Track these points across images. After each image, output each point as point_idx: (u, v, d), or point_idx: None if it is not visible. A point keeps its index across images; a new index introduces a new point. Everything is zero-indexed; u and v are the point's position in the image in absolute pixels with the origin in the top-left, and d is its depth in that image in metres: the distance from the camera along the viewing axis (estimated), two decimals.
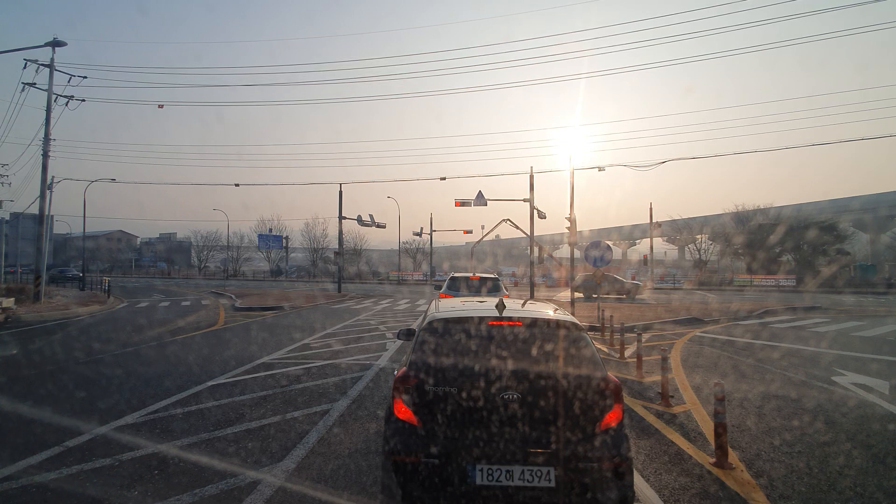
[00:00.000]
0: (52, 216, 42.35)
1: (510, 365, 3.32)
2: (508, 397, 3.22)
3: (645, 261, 52.06)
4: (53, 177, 29.08)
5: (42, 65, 22.05)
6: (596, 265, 16.04)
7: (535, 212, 23.90)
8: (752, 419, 6.12)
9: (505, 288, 14.44)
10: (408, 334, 5.03)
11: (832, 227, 42.65)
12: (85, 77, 33.35)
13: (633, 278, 50.05)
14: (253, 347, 11.16)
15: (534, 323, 3.57)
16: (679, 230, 56.12)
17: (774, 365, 9.51)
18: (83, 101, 23.97)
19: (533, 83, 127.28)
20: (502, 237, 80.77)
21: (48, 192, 23.47)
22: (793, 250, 43.38)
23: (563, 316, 3.76)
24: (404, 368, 3.49)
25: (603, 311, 14.97)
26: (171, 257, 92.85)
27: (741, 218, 48.24)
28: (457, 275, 14.59)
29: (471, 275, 14.71)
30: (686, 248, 59.67)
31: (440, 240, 72.54)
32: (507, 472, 3.08)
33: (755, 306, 21.82)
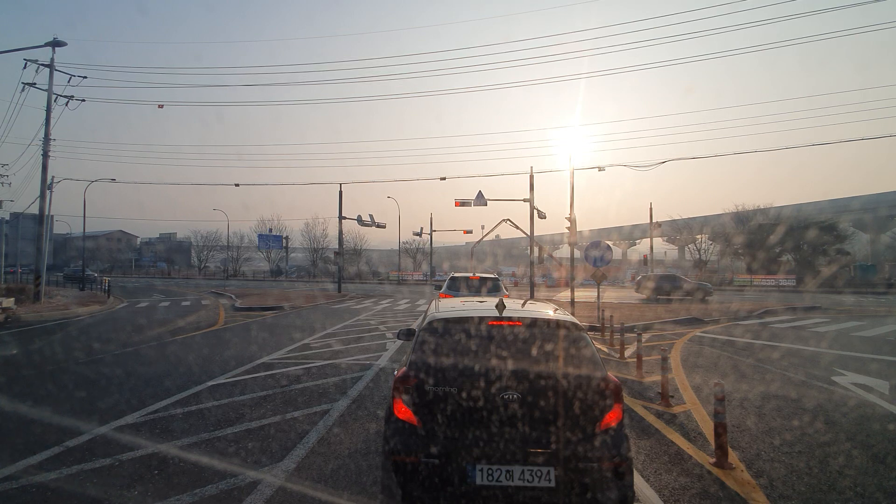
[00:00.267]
0: (52, 216, 42.34)
1: (510, 365, 3.32)
2: (508, 397, 3.22)
3: (645, 261, 52.04)
4: (53, 177, 29.09)
5: (42, 65, 22.05)
6: (596, 265, 16.05)
7: (535, 212, 23.91)
8: (752, 419, 6.12)
9: (505, 288, 14.44)
10: (408, 334, 5.03)
11: (832, 227, 42.65)
12: (85, 77, 33.39)
13: (633, 278, 50.16)
14: (253, 347, 11.16)
15: (534, 323, 3.57)
16: (679, 230, 56.14)
17: (774, 365, 9.51)
18: (83, 101, 23.98)
19: (533, 83, 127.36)
20: (502, 237, 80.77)
21: (48, 192, 23.47)
22: (793, 250, 43.39)
23: (563, 316, 3.76)
24: (404, 368, 3.49)
25: (603, 311, 14.98)
26: (171, 257, 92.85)
27: (741, 218, 48.26)
28: (457, 275, 14.59)
29: (471, 275, 14.71)
30: (686, 248, 59.70)
31: (440, 240, 72.61)
32: (507, 472, 3.08)
33: (755, 306, 21.83)
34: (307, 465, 4.56)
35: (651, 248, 50.67)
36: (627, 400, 6.78)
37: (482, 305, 4.07)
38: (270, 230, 64.35)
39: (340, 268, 36.83)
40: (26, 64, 22.00)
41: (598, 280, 16.10)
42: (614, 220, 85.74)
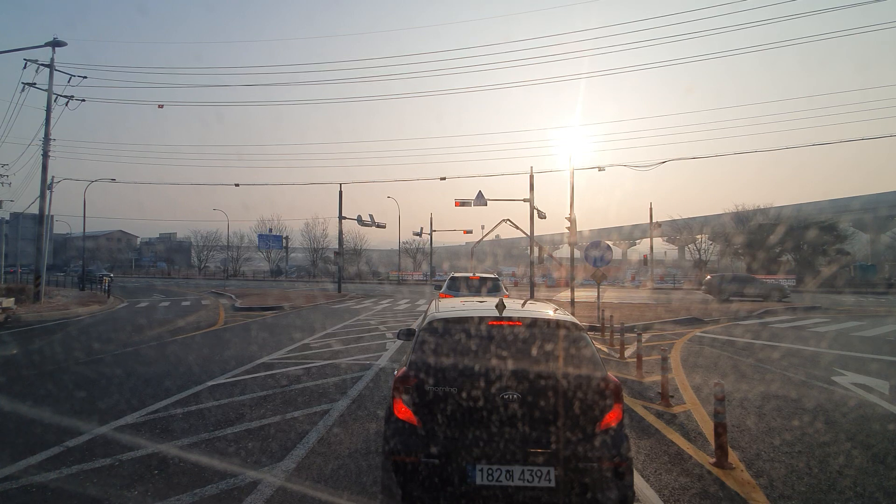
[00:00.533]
0: (52, 216, 42.31)
1: (510, 365, 3.32)
2: (508, 397, 3.22)
3: (645, 261, 52.07)
4: (53, 177, 29.09)
5: (42, 65, 22.06)
6: (596, 265, 16.05)
7: (535, 212, 23.90)
8: (752, 419, 6.12)
9: (505, 288, 14.44)
10: (408, 334, 5.03)
11: (832, 227, 42.66)
12: (85, 77, 33.38)
13: (633, 278, 50.19)
14: (253, 347, 11.16)
15: (534, 323, 3.57)
16: (679, 230, 56.14)
17: (774, 365, 9.51)
18: (83, 101, 24.00)
19: (533, 83, 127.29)
20: (502, 237, 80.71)
21: (48, 192, 23.48)
22: (793, 250, 43.39)
23: (563, 316, 3.76)
24: (404, 368, 3.49)
25: (603, 311, 14.98)
26: (171, 257, 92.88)
27: (741, 218, 48.27)
28: (457, 275, 14.60)
29: (471, 275, 14.71)
30: (686, 248, 59.70)
31: (440, 240, 72.54)
32: (507, 472, 3.08)
33: (755, 306, 21.83)
34: (307, 465, 4.56)
35: (651, 248, 50.71)
36: (627, 400, 6.78)
37: (482, 305, 4.07)
38: (270, 230, 64.36)
39: (340, 268, 36.83)
40: (26, 64, 22.02)
41: (598, 280, 16.11)
42: (614, 220, 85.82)
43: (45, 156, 22.49)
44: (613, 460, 3.11)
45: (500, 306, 3.62)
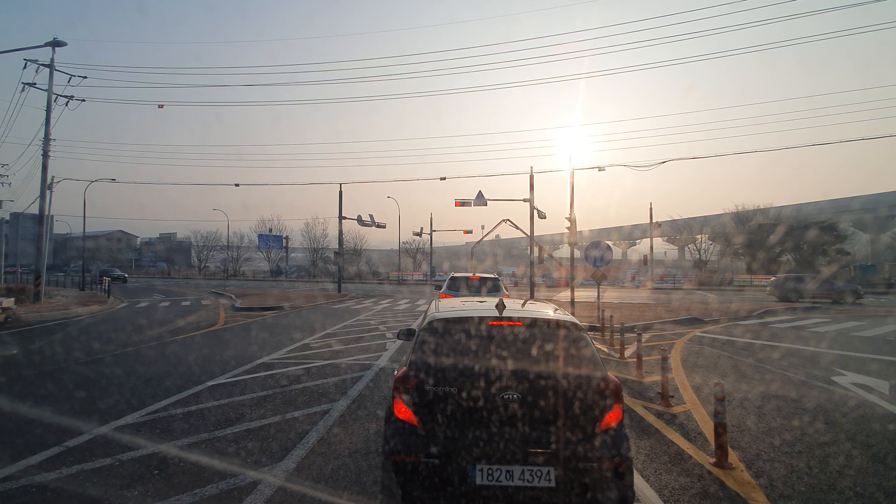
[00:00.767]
0: (52, 216, 42.26)
1: (510, 365, 3.32)
2: (508, 397, 3.22)
3: (645, 261, 52.07)
4: (53, 177, 29.09)
5: (42, 65, 22.06)
6: (596, 265, 16.05)
7: (535, 212, 23.90)
8: (752, 419, 6.12)
9: (505, 288, 14.44)
10: (408, 334, 5.03)
11: (832, 227, 42.69)
12: (85, 77, 33.39)
13: (633, 278, 50.19)
14: (253, 347, 11.16)
15: (534, 323, 3.57)
16: (679, 230, 56.15)
17: (774, 365, 9.51)
18: (83, 101, 23.99)
19: (533, 83, 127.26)
20: (502, 237, 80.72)
21: (48, 192, 23.49)
22: (793, 250, 43.41)
23: (563, 316, 3.76)
24: (404, 368, 3.49)
25: (603, 311, 14.98)
26: (171, 257, 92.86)
27: (741, 218, 48.27)
28: (457, 275, 14.60)
29: (471, 275, 14.71)
30: (686, 248, 59.70)
31: (440, 240, 72.52)
32: (507, 472, 3.08)
33: (755, 306, 21.83)
34: (307, 465, 4.56)
35: (651, 248, 50.71)
36: (627, 400, 6.78)
37: (482, 305, 4.07)
38: (270, 230, 64.38)
39: (340, 268, 36.84)
40: (26, 64, 22.02)
41: (598, 280, 16.11)
42: (614, 220, 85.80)
43: (45, 156, 22.49)
44: (613, 460, 3.11)
45: (500, 306, 3.62)
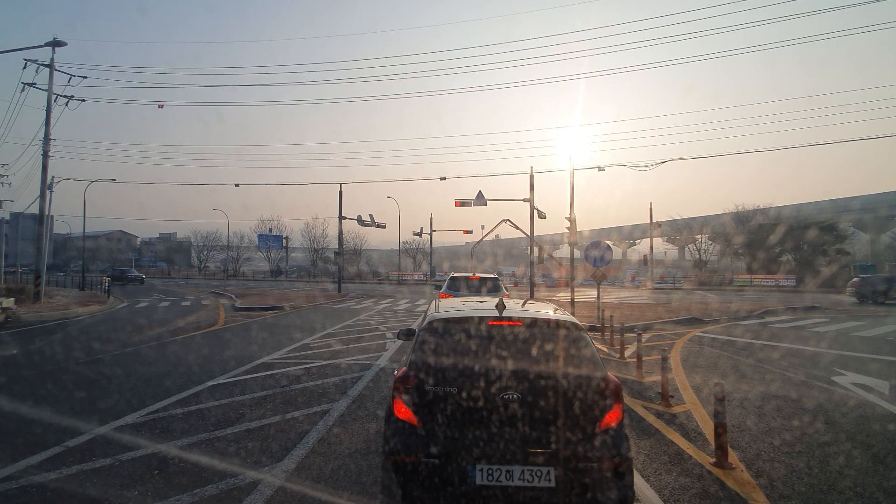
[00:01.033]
0: (52, 216, 42.24)
1: (510, 365, 3.32)
2: (508, 397, 3.22)
3: (645, 261, 52.07)
4: (53, 177, 29.11)
5: (42, 65, 22.05)
6: (596, 265, 16.05)
7: (535, 212, 23.90)
8: (752, 419, 6.12)
9: (505, 288, 14.44)
10: (408, 334, 5.02)
11: (832, 227, 42.65)
12: (85, 77, 33.41)
13: (633, 278, 50.20)
14: (253, 347, 11.16)
15: (534, 323, 3.57)
16: (679, 230, 56.13)
17: (774, 365, 9.51)
18: (83, 101, 23.99)
19: (533, 83, 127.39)
20: (502, 237, 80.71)
21: (48, 192, 23.48)
22: (793, 250, 43.39)
23: (563, 316, 3.76)
24: (404, 368, 3.49)
25: (603, 311, 14.98)
26: (171, 257, 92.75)
27: (741, 218, 48.25)
28: (457, 275, 14.59)
29: (471, 275, 14.71)
30: (686, 248, 59.69)
31: (440, 240, 72.41)
32: (507, 472, 3.07)
33: (755, 306, 21.82)
34: (307, 465, 4.56)
35: (651, 248, 50.70)
36: (627, 400, 6.78)
37: (482, 305, 4.07)
38: (270, 230, 64.31)
39: (340, 268, 36.84)
40: (26, 64, 22.02)
41: (598, 280, 16.11)
42: (614, 220, 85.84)
43: (45, 156, 22.49)
44: (613, 460, 3.11)
45: (500, 306, 3.62)
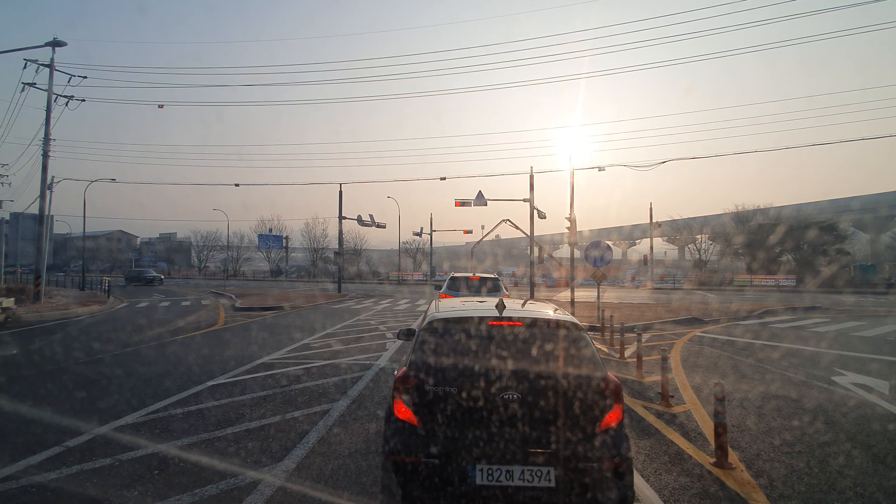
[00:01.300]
0: (52, 216, 42.14)
1: (510, 365, 3.32)
2: (508, 397, 3.22)
3: (645, 261, 52.07)
4: (53, 177, 29.12)
5: (42, 65, 22.05)
6: (596, 265, 16.05)
7: (535, 212, 23.90)
8: (752, 419, 6.12)
9: (505, 288, 14.44)
10: (408, 334, 5.02)
11: (832, 227, 42.67)
12: (85, 77, 33.42)
13: (633, 278, 50.20)
14: (253, 347, 11.16)
15: (534, 323, 3.57)
16: (679, 230, 56.15)
17: (774, 365, 9.51)
18: (83, 101, 23.98)
19: (533, 83, 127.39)
20: (502, 237, 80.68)
21: (48, 192, 23.48)
22: (793, 250, 43.41)
23: (563, 316, 3.76)
24: (404, 368, 3.49)
25: (603, 311, 14.98)
26: (171, 257, 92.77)
27: (741, 218, 48.27)
28: (457, 275, 14.59)
29: (471, 275, 14.71)
30: (686, 248, 59.71)
31: (440, 240, 72.42)
32: (507, 472, 3.07)
33: (755, 306, 21.82)
34: (307, 465, 4.56)
35: (651, 248, 50.70)
36: (627, 400, 6.78)
37: (482, 305, 4.07)
38: (270, 230, 64.28)
39: (340, 268, 36.84)
40: (26, 64, 22.01)
41: (598, 280, 16.11)
42: (614, 220, 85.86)
43: (45, 156, 22.48)
44: (613, 460, 3.11)
45: (500, 306, 3.62)
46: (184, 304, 24.06)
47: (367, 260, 70.28)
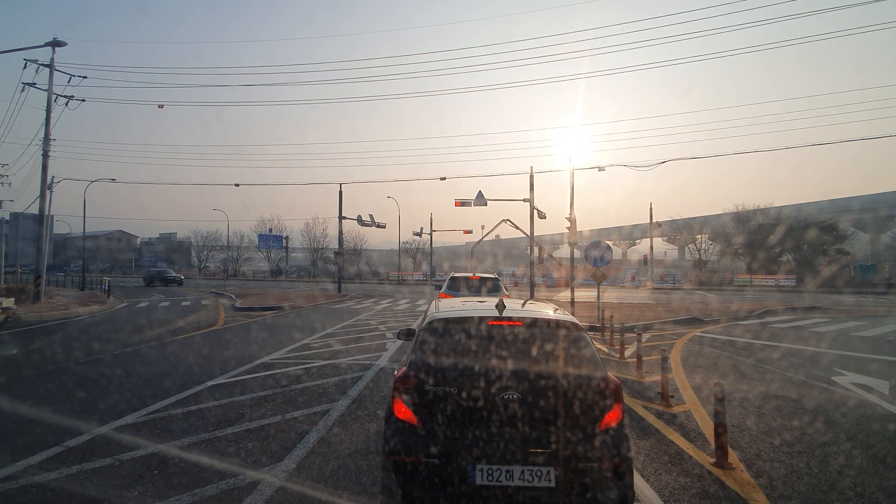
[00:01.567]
0: (52, 216, 42.02)
1: (510, 365, 3.32)
2: (508, 397, 3.22)
3: (645, 261, 52.07)
4: (53, 177, 29.09)
5: (42, 65, 22.04)
6: (596, 265, 16.05)
7: (535, 212, 23.89)
8: (752, 419, 6.12)
9: (505, 288, 14.44)
10: (408, 334, 5.02)
11: (832, 227, 42.67)
12: (85, 77, 33.43)
13: (633, 278, 50.20)
14: (253, 347, 11.16)
15: (534, 323, 3.57)
16: (679, 230, 56.14)
17: (774, 365, 9.51)
18: (83, 101, 23.98)
19: (533, 83, 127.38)
20: (502, 237, 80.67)
21: (48, 192, 23.48)
22: (793, 250, 43.41)
23: (563, 316, 3.76)
24: (404, 368, 3.49)
25: (603, 311, 14.98)
26: (171, 257, 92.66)
27: (741, 218, 48.27)
28: (457, 275, 14.59)
29: (471, 275, 14.71)
30: (686, 248, 59.71)
31: (440, 240, 72.41)
32: (507, 472, 3.08)
33: (755, 306, 21.82)
34: (307, 465, 4.56)
35: (651, 248, 50.70)
36: (627, 400, 6.78)
37: (482, 305, 4.07)
38: (270, 230, 64.24)
39: (340, 268, 36.84)
40: (26, 64, 22.01)
41: (598, 280, 16.10)
42: (614, 220, 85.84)
43: (45, 156, 22.48)
44: (613, 460, 3.11)
45: (500, 306, 3.62)
46: (184, 304, 24.06)
47: (367, 260, 70.28)
